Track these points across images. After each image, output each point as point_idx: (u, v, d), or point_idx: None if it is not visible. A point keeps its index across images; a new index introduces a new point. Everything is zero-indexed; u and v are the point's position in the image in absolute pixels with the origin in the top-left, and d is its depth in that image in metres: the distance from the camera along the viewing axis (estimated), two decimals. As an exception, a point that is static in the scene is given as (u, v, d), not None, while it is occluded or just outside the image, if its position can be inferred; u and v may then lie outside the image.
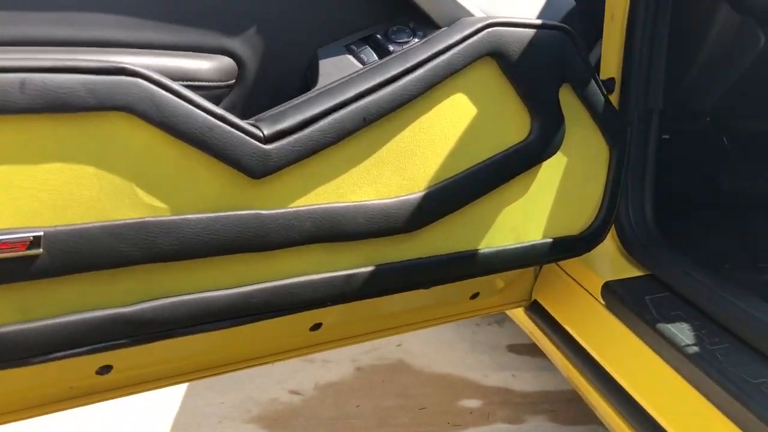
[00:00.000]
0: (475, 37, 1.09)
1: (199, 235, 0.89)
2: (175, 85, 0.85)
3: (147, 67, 0.92)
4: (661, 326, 1.22)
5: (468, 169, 1.14)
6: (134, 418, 1.85)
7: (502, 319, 2.47)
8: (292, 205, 0.97)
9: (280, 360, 1.36)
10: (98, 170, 0.82)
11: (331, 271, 1.03)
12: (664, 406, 1.17)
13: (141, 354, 1.03)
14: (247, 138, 0.90)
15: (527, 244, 1.25)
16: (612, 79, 1.43)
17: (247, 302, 0.96)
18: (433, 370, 2.17)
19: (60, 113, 0.78)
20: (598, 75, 1.32)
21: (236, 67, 1.06)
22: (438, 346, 2.30)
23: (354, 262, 1.05)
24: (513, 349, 2.32)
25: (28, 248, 0.78)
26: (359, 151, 1.03)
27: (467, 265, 1.18)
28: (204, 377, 1.26)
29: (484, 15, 1.15)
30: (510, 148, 1.18)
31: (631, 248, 1.48)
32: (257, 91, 1.08)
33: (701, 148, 1.92)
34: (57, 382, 1.09)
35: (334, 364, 2.15)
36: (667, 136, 1.65)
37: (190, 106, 0.85)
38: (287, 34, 1.10)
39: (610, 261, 1.51)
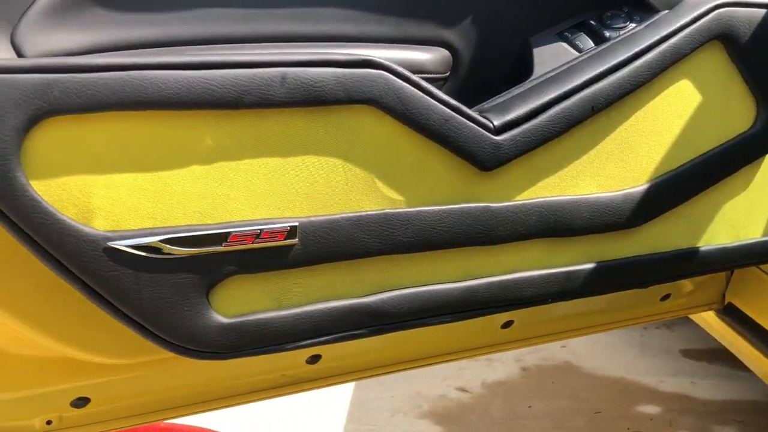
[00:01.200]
0: (704, 20, 1.02)
1: (434, 227, 0.89)
2: (415, 78, 0.85)
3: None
4: None
5: (691, 160, 1.07)
6: (310, 410, 1.90)
7: (672, 323, 2.34)
8: (517, 198, 0.95)
9: (468, 357, 1.35)
10: (345, 162, 0.83)
11: (552, 268, 1.00)
12: None
13: (349, 345, 1.04)
14: (480, 129, 0.89)
15: (748, 242, 1.17)
16: None
17: (474, 296, 0.94)
18: (604, 373, 2.08)
19: (313, 106, 0.80)
20: None
21: (451, 59, 1.05)
22: (605, 349, 2.20)
23: (573, 259, 1.02)
24: (688, 354, 2.19)
25: (286, 238, 0.80)
26: (583, 142, 0.99)
27: (685, 264, 1.12)
28: (401, 370, 1.27)
29: (707, -5, 1.08)
30: (734, 138, 1.10)
31: None
32: (470, 81, 1.07)
33: None
34: (271, 370, 1.13)
35: (499, 363, 2.12)
36: None
37: (429, 99, 0.85)
38: (500, 23, 1.08)
39: None
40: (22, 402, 0.98)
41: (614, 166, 1.02)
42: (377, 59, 0.82)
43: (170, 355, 0.84)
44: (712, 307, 1.63)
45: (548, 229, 0.97)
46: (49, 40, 0.78)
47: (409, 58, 0.99)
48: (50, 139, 0.70)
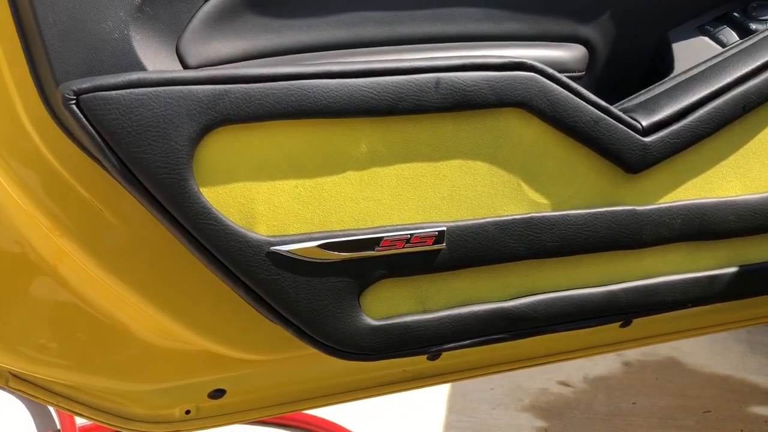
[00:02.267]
0: None
1: (578, 231, 0.87)
2: (565, 79, 0.83)
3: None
4: None
5: None
6: (411, 401, 1.92)
7: (781, 319, 2.24)
8: (662, 200, 0.92)
9: (587, 356, 1.33)
10: (491, 166, 0.83)
11: (694, 272, 0.97)
12: None
13: None
14: (629, 131, 0.86)
15: None
16: None
17: (615, 301, 0.93)
18: (711, 370, 2.02)
19: (463, 110, 0.79)
20: None
21: (588, 55, 1.02)
22: (710, 346, 2.13)
23: (717, 263, 0.98)
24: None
25: (434, 243, 0.80)
26: (730, 142, 0.95)
27: None
28: (522, 368, 1.26)
29: None
30: None
31: None
32: (607, 78, 1.04)
33: None
34: (393, 365, 1.14)
35: (600, 358, 2.08)
36: None
37: (579, 100, 0.83)
38: (637, 18, 1.04)
39: None
40: (164, 392, 1.03)
41: (762, 166, 0.97)
42: (529, 61, 0.81)
43: (310, 351, 0.86)
44: None
45: (693, 232, 0.94)
46: (209, 49, 0.80)
47: (549, 56, 0.97)
48: (219, 147, 0.72)
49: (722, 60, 0.95)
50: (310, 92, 0.72)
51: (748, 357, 2.08)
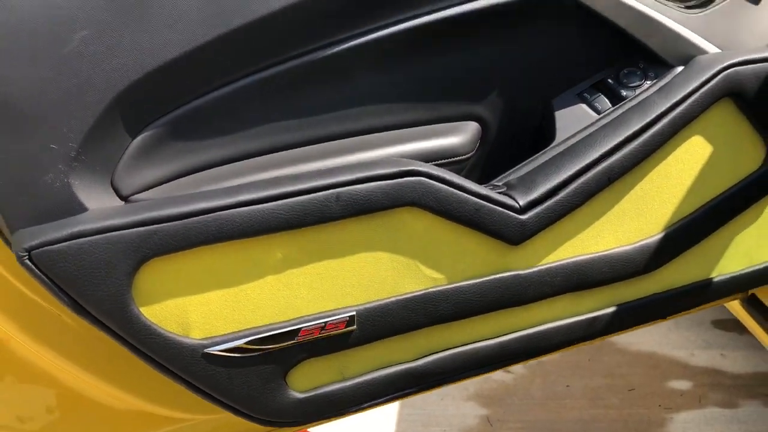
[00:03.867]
0: (713, 81, 1.10)
1: (471, 298, 1.03)
2: (448, 176, 0.97)
3: (411, 153, 1.07)
4: None
5: (704, 205, 1.17)
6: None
7: (705, 292, 2.45)
8: (543, 262, 1.08)
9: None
10: (391, 254, 0.98)
11: (577, 316, 1.14)
12: None
13: None
14: (508, 212, 1.01)
15: (762, 265, 1.27)
16: None
17: (507, 350, 1.09)
18: (638, 348, 2.23)
19: (362, 215, 0.94)
20: None
21: (481, 130, 1.16)
22: (639, 322, 2.34)
23: (596, 306, 1.15)
24: (719, 325, 2.31)
25: (346, 326, 0.96)
26: (601, 207, 1.10)
27: (702, 295, 1.24)
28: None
29: (717, 50, 1.16)
30: (745, 178, 1.19)
31: None
32: (498, 148, 1.18)
33: None
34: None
35: (539, 342, 2.28)
36: None
37: (462, 193, 0.98)
38: (524, 89, 1.18)
39: None
40: None
41: (631, 221, 1.13)
42: (417, 167, 0.95)
43: None
44: (736, 298, 1.75)
45: (573, 286, 1.10)
46: (140, 177, 0.93)
47: (441, 144, 1.11)
48: (153, 274, 0.86)
49: (589, 135, 1.10)
50: (226, 221, 0.86)
51: (672, 332, 2.29)
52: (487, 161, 1.19)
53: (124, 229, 0.82)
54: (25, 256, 0.79)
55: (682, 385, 2.08)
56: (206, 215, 0.85)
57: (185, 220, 0.84)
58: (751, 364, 2.11)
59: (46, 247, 0.79)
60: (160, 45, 0.84)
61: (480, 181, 1.07)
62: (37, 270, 0.79)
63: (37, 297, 0.93)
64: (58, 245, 0.80)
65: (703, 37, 1.16)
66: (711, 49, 1.16)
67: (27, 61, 0.79)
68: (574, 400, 2.04)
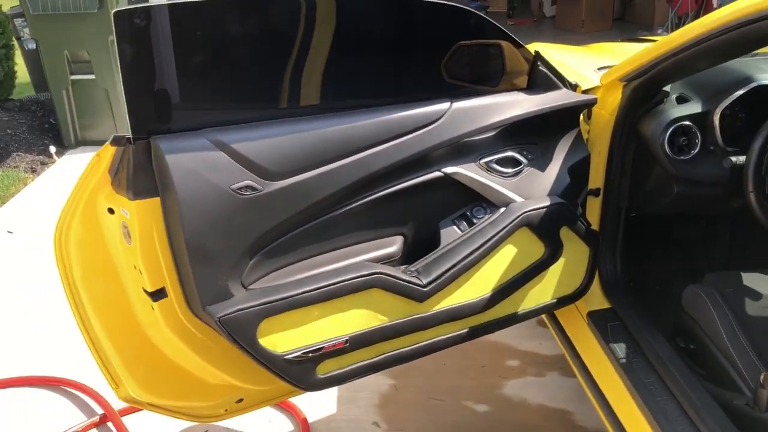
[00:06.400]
0: (516, 220, 2.27)
1: (400, 327, 2.13)
2: (392, 270, 2.07)
3: (373, 258, 2.16)
4: (611, 344, 2.45)
5: (514, 275, 2.34)
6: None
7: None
8: (435, 309, 2.20)
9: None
10: (366, 310, 2.06)
11: (453, 332, 2.26)
12: (609, 387, 2.41)
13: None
14: (417, 287, 2.12)
15: (545, 304, 2.47)
16: (598, 189, 2.59)
17: (416, 351, 2.20)
18: (489, 338, 3.44)
19: (357, 292, 2.02)
20: (587, 187, 2.48)
21: (404, 238, 2.27)
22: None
23: (462, 327, 2.27)
24: (541, 322, 3.57)
25: (345, 344, 2.03)
26: (465, 279, 2.23)
27: (512, 319, 2.41)
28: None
29: (521, 200, 2.32)
30: (533, 263, 2.37)
31: (605, 290, 2.68)
32: (411, 248, 2.29)
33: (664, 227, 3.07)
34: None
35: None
36: (633, 214, 2.79)
37: (396, 280, 2.07)
38: (429, 216, 2.29)
39: (593, 297, 2.72)
40: (213, 403, 2.25)
41: (478, 285, 2.27)
42: (377, 269, 2.04)
43: None
44: (539, 315, 2.98)
45: (450, 318, 2.23)
46: (253, 277, 1.98)
47: (387, 251, 2.20)
48: (265, 323, 1.91)
49: (458, 242, 2.22)
50: (294, 302, 1.92)
51: (511, 329, 3.52)
52: (408, 258, 2.30)
53: (253, 307, 1.86)
54: (218, 319, 1.81)
55: (514, 363, 3.31)
56: (284, 300, 1.90)
57: (275, 303, 1.89)
58: (556, 349, 3.38)
59: (227, 316, 1.82)
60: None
61: (404, 268, 2.18)
62: (222, 327, 1.81)
63: (198, 332, 1.96)
64: (231, 315, 1.82)
65: (514, 193, 2.33)
66: (518, 198, 2.33)
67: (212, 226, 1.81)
68: (448, 375, 3.22)
